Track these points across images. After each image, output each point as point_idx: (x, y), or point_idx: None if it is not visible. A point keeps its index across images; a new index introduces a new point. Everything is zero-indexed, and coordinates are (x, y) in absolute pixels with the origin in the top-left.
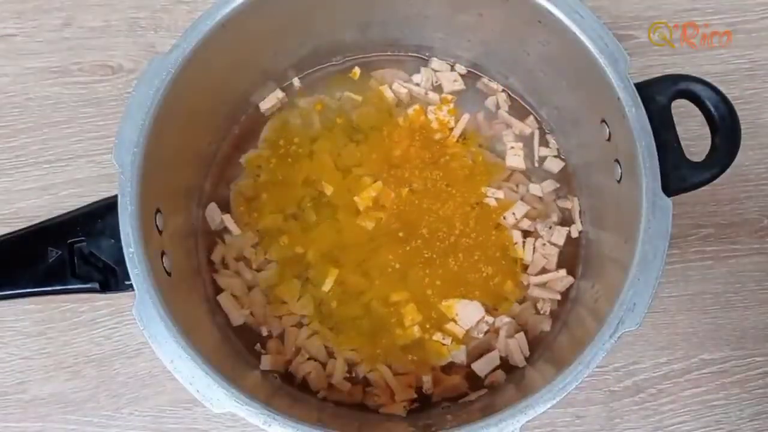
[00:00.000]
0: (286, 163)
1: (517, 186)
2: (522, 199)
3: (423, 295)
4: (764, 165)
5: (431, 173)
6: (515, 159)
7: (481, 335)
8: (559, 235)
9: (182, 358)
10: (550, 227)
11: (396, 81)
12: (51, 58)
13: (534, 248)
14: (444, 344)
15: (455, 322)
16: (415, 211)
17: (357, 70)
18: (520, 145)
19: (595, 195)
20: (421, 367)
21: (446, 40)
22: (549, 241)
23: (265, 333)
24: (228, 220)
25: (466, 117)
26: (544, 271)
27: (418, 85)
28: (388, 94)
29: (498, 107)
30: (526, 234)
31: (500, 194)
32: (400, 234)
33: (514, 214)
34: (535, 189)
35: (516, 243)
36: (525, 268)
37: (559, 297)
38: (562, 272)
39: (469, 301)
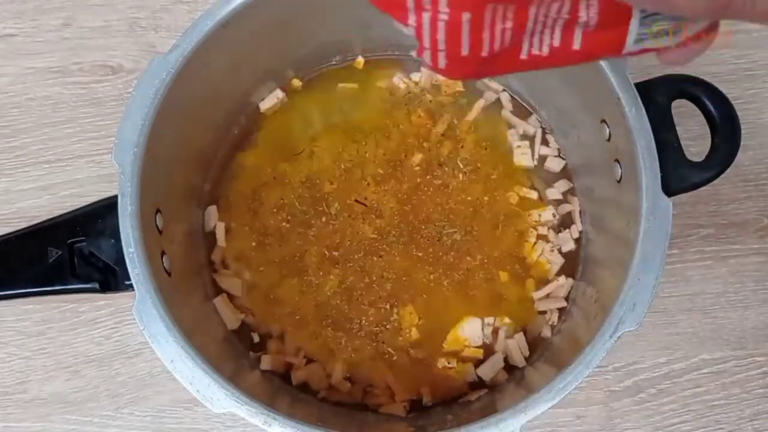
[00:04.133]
0: (286, 162)
1: (531, 187)
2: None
3: (426, 297)
4: (764, 165)
5: (433, 172)
6: (524, 158)
7: (488, 340)
8: (567, 243)
9: (182, 358)
10: (559, 232)
11: (396, 80)
12: (51, 58)
13: (541, 252)
14: (450, 368)
15: (468, 346)
16: (418, 210)
17: (361, 60)
18: (527, 143)
19: (595, 195)
20: (421, 378)
21: None
22: (558, 249)
23: (264, 333)
24: (219, 228)
25: (468, 116)
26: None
27: (417, 84)
28: (389, 94)
29: (502, 107)
30: (538, 237)
31: (534, 194)
32: (403, 233)
33: (540, 215)
34: (552, 192)
35: (527, 241)
36: (529, 269)
37: (565, 304)
38: (562, 279)
39: (465, 320)
